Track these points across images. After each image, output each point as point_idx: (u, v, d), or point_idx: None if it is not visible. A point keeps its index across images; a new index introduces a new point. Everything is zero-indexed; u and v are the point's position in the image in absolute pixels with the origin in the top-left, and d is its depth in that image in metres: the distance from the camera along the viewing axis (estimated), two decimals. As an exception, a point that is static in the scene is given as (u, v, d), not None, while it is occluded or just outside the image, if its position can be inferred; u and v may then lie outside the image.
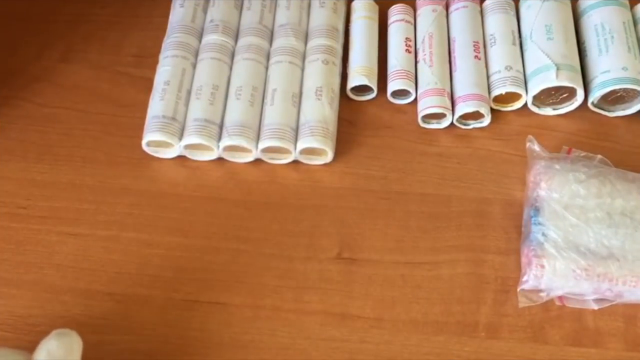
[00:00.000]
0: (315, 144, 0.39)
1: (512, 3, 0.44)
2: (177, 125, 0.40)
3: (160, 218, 0.39)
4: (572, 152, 0.38)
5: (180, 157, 0.41)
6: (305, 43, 0.43)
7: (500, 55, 0.41)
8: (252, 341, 0.34)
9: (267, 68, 0.42)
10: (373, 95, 0.42)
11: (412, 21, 0.44)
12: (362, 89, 0.42)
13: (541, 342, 0.34)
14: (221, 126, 0.40)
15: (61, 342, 0.29)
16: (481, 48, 0.42)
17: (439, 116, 0.41)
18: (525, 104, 0.41)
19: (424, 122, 0.41)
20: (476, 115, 0.41)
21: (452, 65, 0.42)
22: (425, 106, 0.40)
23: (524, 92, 0.41)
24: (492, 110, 0.41)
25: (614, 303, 0.34)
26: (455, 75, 0.42)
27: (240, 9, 0.45)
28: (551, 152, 0.38)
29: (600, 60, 0.40)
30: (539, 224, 0.35)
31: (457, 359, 0.34)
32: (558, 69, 0.40)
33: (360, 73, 0.42)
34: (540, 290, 0.34)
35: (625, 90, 0.40)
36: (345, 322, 0.35)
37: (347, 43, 0.44)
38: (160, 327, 0.35)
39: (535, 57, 0.41)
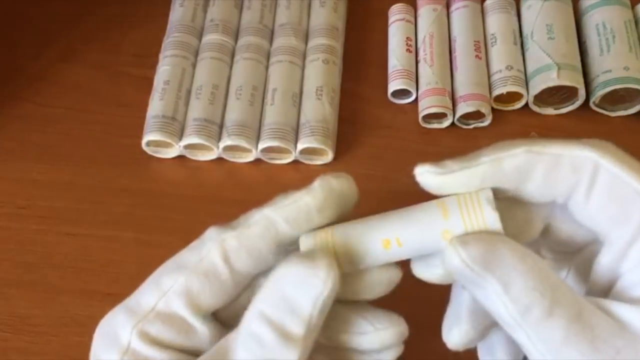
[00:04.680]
0: (315, 144, 0.39)
1: (513, 2, 0.44)
2: (177, 125, 0.40)
3: (160, 218, 0.38)
4: (573, 152, 0.38)
5: (180, 157, 0.41)
6: (306, 42, 0.43)
7: (501, 55, 0.41)
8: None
9: (267, 68, 0.42)
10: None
11: (413, 20, 0.44)
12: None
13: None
14: (221, 126, 0.40)
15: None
16: (482, 47, 0.42)
17: (440, 116, 0.41)
18: (527, 104, 0.41)
19: (425, 122, 0.41)
20: (477, 115, 0.41)
21: (453, 64, 0.42)
22: (426, 106, 0.40)
23: (525, 92, 0.41)
24: (493, 110, 0.41)
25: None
26: (456, 74, 0.41)
27: (240, 8, 0.45)
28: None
29: (601, 60, 0.40)
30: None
31: (458, 360, 0.33)
32: (559, 68, 0.40)
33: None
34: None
35: (626, 90, 0.40)
36: (346, 323, 0.35)
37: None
38: (160, 327, 0.35)
39: (537, 57, 0.41)
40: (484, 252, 0.22)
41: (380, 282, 0.25)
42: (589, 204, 0.23)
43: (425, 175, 0.23)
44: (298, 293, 0.22)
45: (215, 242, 0.25)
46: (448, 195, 0.23)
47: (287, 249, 0.25)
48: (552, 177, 0.23)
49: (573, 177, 0.23)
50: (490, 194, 0.23)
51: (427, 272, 0.24)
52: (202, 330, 0.24)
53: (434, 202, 0.23)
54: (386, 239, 0.24)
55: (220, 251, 0.25)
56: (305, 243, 0.24)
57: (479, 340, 0.25)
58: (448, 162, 0.24)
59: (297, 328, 0.22)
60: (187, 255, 0.25)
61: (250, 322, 0.22)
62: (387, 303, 0.35)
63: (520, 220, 0.24)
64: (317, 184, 0.24)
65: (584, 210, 0.23)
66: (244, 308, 0.23)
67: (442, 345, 0.34)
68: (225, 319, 0.26)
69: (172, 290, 0.24)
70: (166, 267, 0.26)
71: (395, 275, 0.25)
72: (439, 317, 0.35)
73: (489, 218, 0.22)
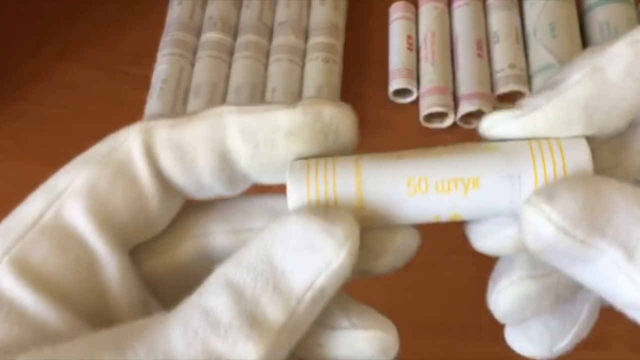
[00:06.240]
0: (315, 143, 0.38)
1: (515, 0, 0.43)
2: (175, 125, 0.39)
3: (158, 219, 0.38)
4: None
5: (179, 157, 0.40)
6: (306, 41, 0.43)
7: (503, 53, 0.41)
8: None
9: (266, 66, 0.42)
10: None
11: (414, 18, 0.44)
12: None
13: (545, 345, 0.33)
14: (220, 125, 0.40)
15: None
16: (484, 46, 0.42)
17: (441, 115, 0.40)
18: (529, 103, 0.41)
19: (426, 121, 0.41)
20: (479, 114, 0.40)
21: (455, 63, 0.42)
22: (427, 105, 0.40)
23: (528, 91, 0.40)
24: (495, 109, 0.41)
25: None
26: (458, 73, 0.41)
27: (239, 6, 0.44)
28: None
29: (605, 59, 0.40)
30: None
31: (460, 363, 0.33)
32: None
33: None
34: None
35: (630, 88, 0.39)
36: (346, 325, 0.34)
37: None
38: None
39: (539, 55, 0.40)
40: (585, 205, 0.14)
41: (395, 248, 0.18)
42: None
43: (499, 127, 0.17)
44: (293, 258, 0.15)
45: (138, 130, 0.17)
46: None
47: (240, 185, 0.17)
48: None
49: None
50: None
51: (490, 242, 0.17)
52: (111, 265, 0.16)
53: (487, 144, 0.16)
54: (411, 178, 0.16)
55: (141, 140, 0.16)
56: (295, 170, 0.16)
57: (544, 303, 0.17)
58: (525, 100, 0.16)
59: (275, 311, 0.14)
60: (98, 146, 0.17)
61: (209, 288, 0.15)
62: (389, 304, 0.35)
63: (614, 147, 0.17)
64: (303, 103, 0.16)
65: None
66: (186, 274, 0.16)
67: (445, 348, 0.34)
68: (157, 283, 0.17)
69: (69, 191, 0.17)
70: (67, 164, 0.18)
71: (412, 238, 0.18)
72: (441, 319, 0.34)
73: (575, 154, 0.15)
